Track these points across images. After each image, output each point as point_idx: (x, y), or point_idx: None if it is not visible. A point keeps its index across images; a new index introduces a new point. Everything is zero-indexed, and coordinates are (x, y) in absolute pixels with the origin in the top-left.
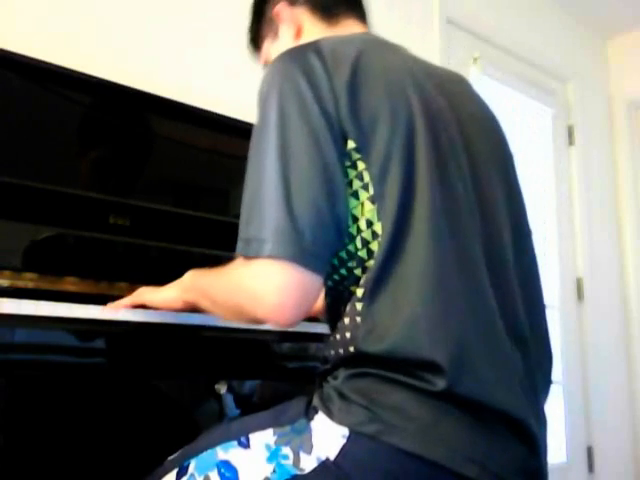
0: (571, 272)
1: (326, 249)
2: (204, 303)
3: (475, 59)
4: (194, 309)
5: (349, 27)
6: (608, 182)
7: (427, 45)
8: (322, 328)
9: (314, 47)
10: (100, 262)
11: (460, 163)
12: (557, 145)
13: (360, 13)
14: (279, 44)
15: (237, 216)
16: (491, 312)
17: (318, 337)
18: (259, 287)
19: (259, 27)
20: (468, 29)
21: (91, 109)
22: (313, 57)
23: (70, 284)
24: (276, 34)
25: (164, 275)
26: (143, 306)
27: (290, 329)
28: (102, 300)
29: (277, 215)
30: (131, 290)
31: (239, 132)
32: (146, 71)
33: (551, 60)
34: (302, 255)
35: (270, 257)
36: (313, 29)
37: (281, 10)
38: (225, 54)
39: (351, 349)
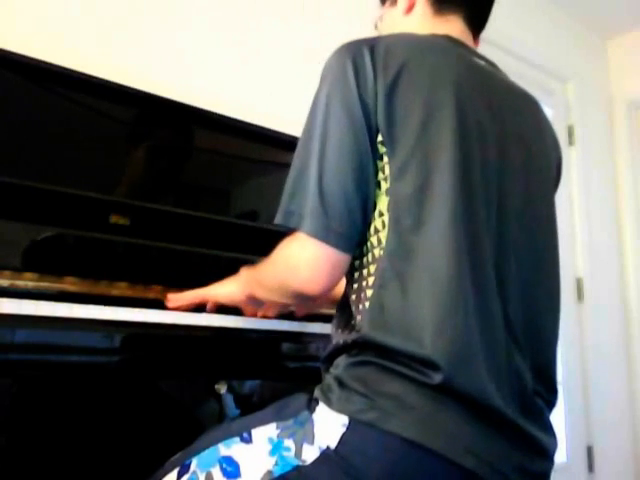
0: (571, 272)
1: (352, 229)
2: (258, 291)
3: None
4: (255, 302)
5: (449, 24)
6: (608, 182)
7: None
8: (322, 328)
9: (371, 44)
10: (100, 262)
11: (489, 179)
12: None
13: (471, 14)
14: (392, 12)
15: (237, 216)
16: (496, 316)
17: (318, 337)
18: (295, 259)
19: None
20: None
21: (91, 109)
22: (367, 54)
23: (70, 284)
24: (394, 1)
25: (164, 275)
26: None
27: (290, 329)
28: (102, 300)
29: (312, 195)
30: (131, 290)
31: (239, 132)
32: (146, 71)
33: (551, 60)
34: (328, 234)
35: (305, 232)
36: (421, 11)
37: None
38: (225, 54)
39: (355, 335)
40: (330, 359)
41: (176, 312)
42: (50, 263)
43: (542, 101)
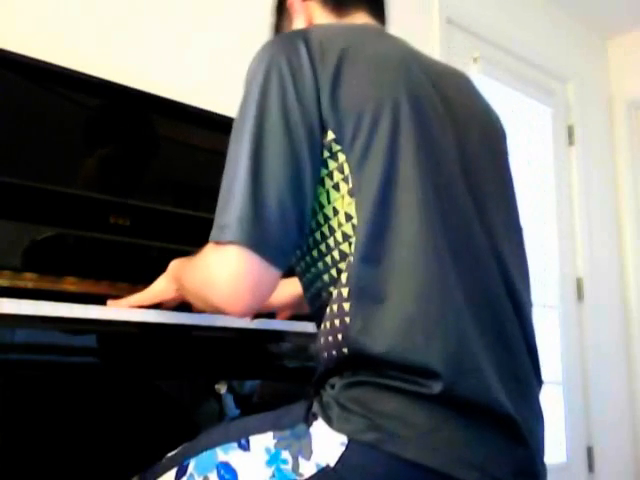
0: (571, 272)
1: (286, 241)
2: (183, 291)
3: (475, 59)
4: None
5: (357, 20)
6: (608, 182)
7: (427, 45)
8: None
9: (303, 35)
10: (100, 262)
11: (451, 157)
12: (557, 145)
13: (373, 7)
14: (291, 26)
15: None
16: (488, 310)
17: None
18: (216, 274)
19: (278, 17)
20: (468, 29)
21: (91, 109)
22: (301, 45)
23: (70, 284)
24: (291, 25)
25: None
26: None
27: (290, 329)
28: (102, 300)
29: (243, 204)
30: (131, 290)
31: None
32: (146, 71)
33: (551, 60)
34: (259, 243)
35: (231, 244)
36: (323, 21)
37: (294, 1)
38: (225, 54)
39: (345, 351)
40: (322, 381)
41: (176, 312)
42: (50, 263)
43: (542, 101)
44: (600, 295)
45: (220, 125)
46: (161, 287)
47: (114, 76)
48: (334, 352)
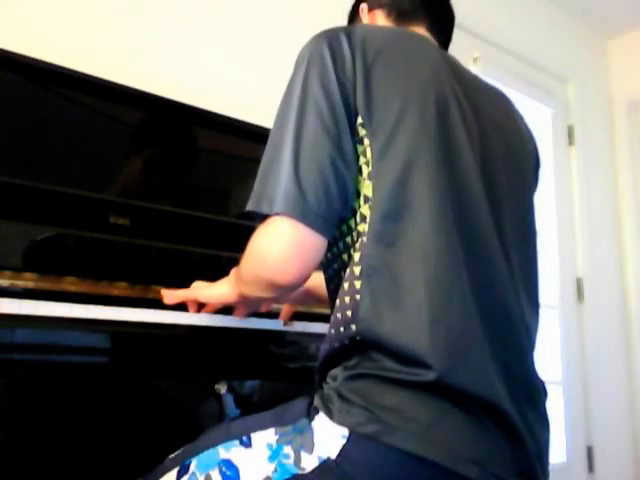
0: (571, 272)
1: (330, 212)
2: (242, 288)
3: (475, 59)
4: (248, 302)
5: (415, 30)
6: (608, 182)
7: None
8: (322, 328)
9: (347, 30)
10: (100, 262)
11: (471, 161)
12: (557, 145)
13: (432, 24)
14: None
15: (237, 216)
16: (494, 307)
17: (318, 337)
18: (265, 245)
19: (351, 21)
20: (468, 29)
21: (91, 109)
22: (343, 37)
23: (70, 284)
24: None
25: (164, 275)
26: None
27: (291, 329)
28: (102, 300)
29: (286, 176)
30: (131, 290)
31: (239, 132)
32: (146, 71)
33: (551, 60)
34: (303, 212)
35: (277, 215)
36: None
37: (362, 9)
38: (225, 54)
39: (353, 327)
40: (325, 369)
41: (176, 312)
42: (50, 263)
43: (542, 101)
44: (600, 295)
45: (220, 125)
46: (224, 291)
47: (114, 76)
48: (342, 329)
